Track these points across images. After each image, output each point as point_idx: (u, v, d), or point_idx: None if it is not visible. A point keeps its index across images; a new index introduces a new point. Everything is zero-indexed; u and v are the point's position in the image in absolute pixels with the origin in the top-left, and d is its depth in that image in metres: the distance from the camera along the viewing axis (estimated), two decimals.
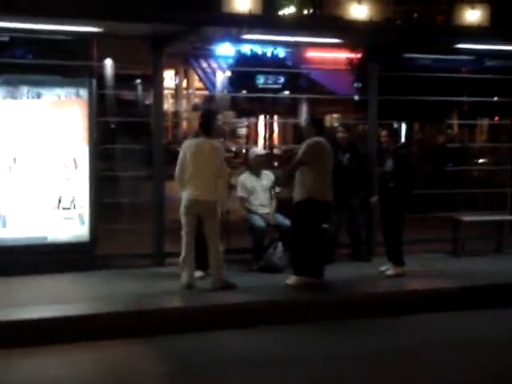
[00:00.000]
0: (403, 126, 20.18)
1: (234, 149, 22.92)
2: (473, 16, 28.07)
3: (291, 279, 8.51)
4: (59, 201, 8.95)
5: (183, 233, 8.24)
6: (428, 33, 10.52)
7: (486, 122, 23.34)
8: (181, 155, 8.27)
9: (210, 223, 8.18)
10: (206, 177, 8.11)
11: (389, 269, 9.16)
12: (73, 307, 7.44)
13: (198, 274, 8.65)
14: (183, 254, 8.23)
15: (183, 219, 8.23)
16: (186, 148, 8.28)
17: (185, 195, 8.20)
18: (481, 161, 17.75)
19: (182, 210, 8.24)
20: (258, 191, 9.56)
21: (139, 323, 7.19)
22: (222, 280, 8.24)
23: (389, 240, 9.25)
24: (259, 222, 9.29)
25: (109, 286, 8.36)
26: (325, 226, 9.51)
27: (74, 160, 9.04)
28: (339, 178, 9.62)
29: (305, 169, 8.49)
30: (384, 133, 9.47)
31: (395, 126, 9.56)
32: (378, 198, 9.46)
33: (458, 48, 11.05)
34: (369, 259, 9.93)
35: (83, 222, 9.07)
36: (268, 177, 9.66)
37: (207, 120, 8.46)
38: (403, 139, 18.96)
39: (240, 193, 9.53)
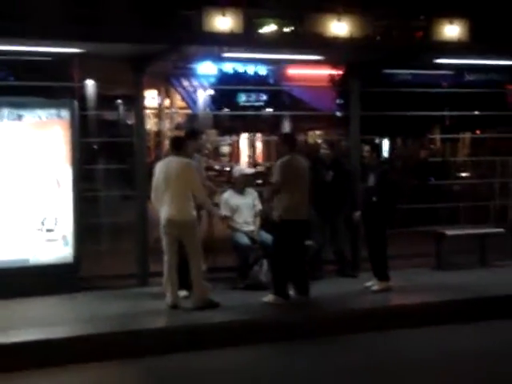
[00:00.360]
0: (385, 142, 20.26)
1: (217, 167, 22.90)
2: (452, 31, 28.27)
3: (267, 297, 8.47)
4: (42, 223, 8.89)
5: (165, 253, 8.21)
6: (408, 49, 10.60)
7: (467, 135, 23.46)
8: (154, 176, 8.26)
9: (189, 242, 8.15)
10: (179, 196, 8.08)
11: (374, 284, 9.15)
12: (57, 330, 7.37)
13: (182, 293, 8.60)
14: (166, 273, 8.19)
15: (163, 240, 8.20)
16: (158, 168, 8.27)
17: (162, 215, 8.18)
18: (463, 174, 17.81)
19: (161, 230, 8.22)
20: (242, 209, 9.55)
21: (124, 344, 7.13)
22: (205, 299, 8.19)
23: (373, 255, 9.26)
24: (244, 240, 9.27)
25: (93, 308, 8.31)
26: (309, 242, 9.54)
27: (57, 181, 8.99)
28: (323, 194, 9.65)
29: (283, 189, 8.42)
30: (366, 148, 9.50)
31: (377, 141, 9.59)
32: (361, 213, 9.46)
33: (438, 63, 11.12)
34: (354, 275, 9.91)
35: (67, 243, 9.01)
36: (252, 195, 9.65)
37: (176, 138, 8.52)
38: (386, 154, 19.04)
39: (223, 211, 9.51)
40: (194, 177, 8.21)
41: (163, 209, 8.15)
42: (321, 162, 10.03)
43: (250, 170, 10.50)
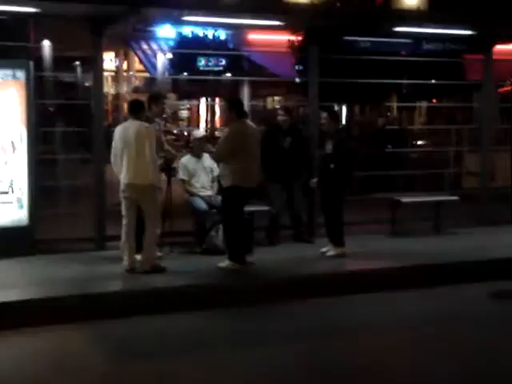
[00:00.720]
0: (344, 109, 20.35)
1: (175, 131, 22.79)
2: (411, 0, 28.38)
3: (224, 262, 8.51)
4: None
5: (123, 216, 8.19)
6: (367, 16, 10.63)
7: (424, 104, 23.69)
8: (113, 140, 8.22)
9: (146, 206, 8.15)
10: (138, 160, 8.04)
11: (329, 250, 9.27)
12: (11, 293, 7.34)
13: (139, 257, 8.62)
14: (123, 237, 8.20)
15: (122, 203, 8.19)
16: (117, 132, 8.23)
17: (121, 179, 8.16)
18: (419, 143, 18.03)
19: (120, 194, 8.20)
20: (200, 173, 9.56)
21: (79, 308, 7.13)
22: (152, 263, 8.20)
23: (329, 221, 9.36)
24: (201, 205, 9.29)
25: (48, 271, 8.28)
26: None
27: (12, 143, 8.88)
28: (280, 160, 9.70)
29: (228, 157, 8.35)
30: (324, 115, 9.54)
31: (335, 108, 9.65)
32: (318, 180, 9.54)
33: (397, 31, 11.18)
34: (310, 241, 10.02)
35: (22, 206, 8.94)
36: (209, 159, 9.65)
37: (134, 102, 8.46)
38: (344, 122, 19.14)
39: (181, 175, 9.51)
40: (153, 142, 8.16)
41: (122, 173, 8.12)
42: (278, 128, 10.06)
43: (202, 134, 10.38)
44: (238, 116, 8.45)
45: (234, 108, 8.52)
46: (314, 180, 9.62)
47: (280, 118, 10.06)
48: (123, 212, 8.20)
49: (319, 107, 10.58)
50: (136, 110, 8.28)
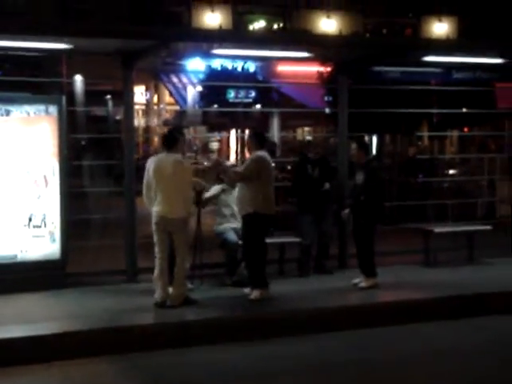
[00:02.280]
0: (374, 139, 20.31)
1: (206, 163, 22.88)
2: (440, 29, 28.38)
3: (253, 294, 8.48)
4: (29, 219, 8.86)
5: (156, 250, 8.21)
6: (397, 46, 10.61)
7: (455, 133, 23.56)
8: (145, 172, 8.23)
9: (177, 238, 8.13)
10: (171, 193, 8.06)
11: (361, 281, 9.18)
12: (44, 326, 7.35)
13: (171, 289, 8.61)
14: (156, 270, 8.18)
15: (155, 236, 8.20)
16: (150, 165, 8.24)
17: (153, 212, 8.17)
18: (451, 172, 17.89)
19: (152, 227, 8.21)
20: (231, 204, 9.54)
21: (111, 340, 7.13)
22: (183, 296, 8.17)
23: (361, 252, 9.28)
24: (232, 237, 9.26)
25: (80, 304, 8.29)
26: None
27: (45, 177, 8.96)
28: (312, 191, 9.71)
29: (249, 184, 8.46)
30: (354, 146, 9.51)
31: (366, 138, 9.63)
32: (350, 211, 9.48)
33: (426, 61, 11.15)
34: (331, 272, 9.93)
35: (54, 240, 8.99)
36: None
37: (169, 135, 8.46)
38: (374, 152, 19.09)
39: (213, 191, 9.48)
40: (188, 175, 8.22)
41: (155, 206, 8.14)
42: (308, 159, 10.06)
43: (230, 163, 10.40)
44: (259, 147, 8.66)
45: (256, 139, 8.79)
46: (346, 211, 9.57)
47: (310, 154, 10.08)
48: (156, 245, 8.20)
49: (349, 137, 10.56)
50: (170, 143, 8.29)
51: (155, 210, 8.13)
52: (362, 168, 9.31)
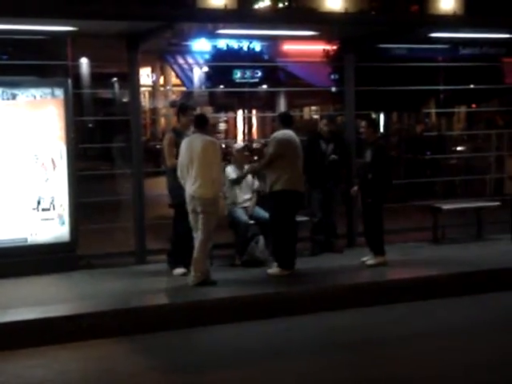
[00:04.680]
0: (381, 117, 20.25)
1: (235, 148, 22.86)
2: (447, 4, 28.20)
3: (272, 269, 8.60)
4: (38, 202, 8.90)
5: (193, 229, 8.26)
6: (403, 23, 10.54)
7: (463, 109, 23.47)
8: (179, 153, 8.31)
9: (203, 218, 8.16)
10: (201, 173, 8.11)
11: (370, 259, 9.19)
12: (56, 308, 7.40)
13: (181, 270, 8.65)
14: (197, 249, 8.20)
15: (190, 216, 8.26)
16: (183, 146, 8.31)
17: (186, 192, 8.23)
18: (459, 148, 17.84)
19: (187, 207, 8.26)
20: (242, 185, 9.55)
21: (122, 322, 7.17)
22: (203, 276, 8.21)
23: (369, 230, 9.29)
24: (244, 217, 9.27)
25: (91, 286, 8.33)
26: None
27: (52, 160, 8.98)
28: (323, 168, 9.70)
29: (275, 163, 8.60)
30: (363, 124, 9.50)
31: (373, 116, 9.60)
32: (358, 188, 9.48)
33: (433, 37, 11.09)
34: (341, 251, 9.94)
35: (63, 223, 9.02)
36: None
37: (200, 116, 8.60)
38: (382, 129, 19.04)
39: (226, 184, 9.51)
40: (218, 156, 8.29)
41: (187, 185, 8.21)
42: (319, 136, 10.03)
43: (241, 144, 10.39)
44: (283, 125, 8.85)
45: (280, 119, 9.06)
46: (355, 188, 9.57)
47: (323, 127, 10.02)
48: (192, 225, 8.25)
49: (356, 116, 10.53)
50: (201, 123, 8.38)
51: (187, 189, 8.20)
52: (370, 146, 9.30)
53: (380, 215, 9.21)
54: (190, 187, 8.14)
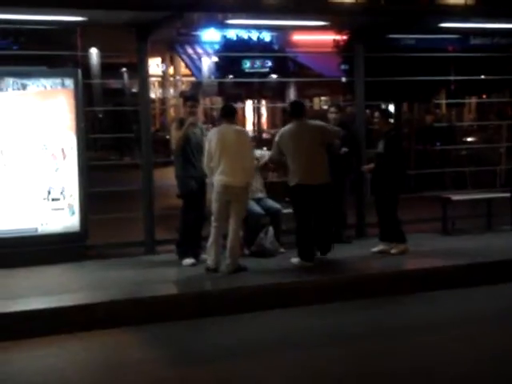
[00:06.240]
0: (391, 107, 20.17)
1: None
2: None
3: (295, 259, 8.67)
4: (49, 192, 8.93)
5: (213, 218, 8.31)
6: (413, 13, 10.49)
7: (473, 100, 23.36)
8: (207, 144, 8.34)
9: (237, 207, 8.25)
10: (234, 162, 8.18)
11: (382, 249, 9.19)
12: (66, 298, 7.43)
13: (190, 261, 8.67)
14: (211, 238, 8.29)
15: (214, 205, 8.30)
16: (212, 136, 8.34)
17: (216, 182, 8.25)
18: (469, 139, 17.76)
19: (214, 196, 8.30)
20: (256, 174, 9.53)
21: (132, 311, 7.19)
22: (237, 264, 8.30)
23: (386, 221, 9.26)
24: (256, 208, 9.25)
25: (101, 276, 8.36)
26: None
27: (62, 150, 9.00)
28: (333, 158, 9.67)
29: (287, 157, 8.61)
30: (376, 114, 9.48)
31: (383, 106, 9.58)
32: (371, 180, 9.45)
33: (443, 27, 11.03)
34: (350, 241, 9.92)
35: (73, 213, 9.05)
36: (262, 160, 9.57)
37: (228, 107, 8.66)
38: (392, 120, 18.94)
39: None
40: (250, 145, 8.45)
41: (217, 175, 8.24)
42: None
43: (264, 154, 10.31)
44: (291, 117, 8.79)
45: (291, 109, 8.95)
46: (371, 165, 9.49)
47: (331, 115, 9.97)
48: (215, 214, 8.29)
49: (366, 106, 10.49)
50: (229, 114, 8.45)
51: (218, 179, 8.23)
52: (383, 137, 9.29)
53: (395, 206, 9.20)
54: (222, 177, 8.18)
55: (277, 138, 8.75)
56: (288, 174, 8.69)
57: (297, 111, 8.83)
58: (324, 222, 8.80)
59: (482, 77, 15.75)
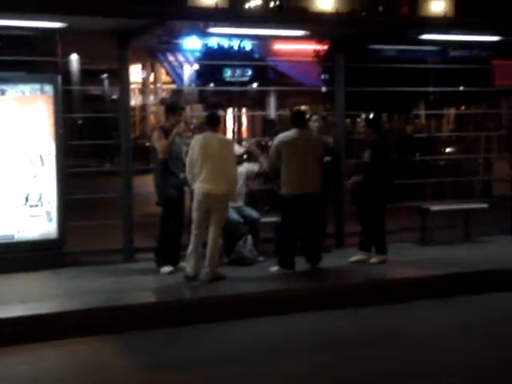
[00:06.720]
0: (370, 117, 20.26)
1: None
2: (437, 7, 28.27)
3: (274, 267, 8.67)
4: (26, 198, 8.86)
5: (193, 226, 8.29)
6: (393, 24, 10.57)
7: (452, 111, 23.53)
8: (189, 151, 8.34)
9: (217, 215, 8.25)
10: (216, 170, 8.19)
11: (360, 258, 9.22)
12: (42, 305, 7.37)
13: (168, 269, 8.64)
14: (191, 246, 8.26)
15: (195, 213, 8.29)
16: (195, 143, 8.33)
17: (197, 189, 8.25)
18: (448, 150, 17.88)
19: (194, 204, 8.29)
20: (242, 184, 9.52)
21: (109, 319, 7.15)
22: (216, 272, 8.28)
23: (369, 230, 9.27)
24: (235, 216, 9.23)
25: (78, 283, 8.30)
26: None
27: (41, 157, 8.94)
28: None
29: (281, 166, 8.65)
30: (363, 124, 9.51)
31: (372, 116, 9.59)
32: (357, 189, 9.48)
33: (423, 39, 11.11)
34: (328, 251, 9.93)
35: (51, 219, 8.99)
36: (241, 174, 9.53)
37: (212, 115, 8.67)
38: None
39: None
40: (233, 154, 8.47)
41: (198, 182, 8.23)
42: None
43: (242, 149, 10.28)
44: (291, 125, 8.86)
45: (291, 119, 9.01)
46: (357, 178, 9.50)
47: (313, 123, 9.97)
48: (195, 222, 8.28)
49: (347, 115, 10.52)
50: (214, 122, 8.49)
51: (199, 186, 8.23)
52: (369, 146, 9.32)
53: (382, 215, 9.23)
54: (203, 184, 8.18)
55: (276, 143, 8.77)
56: (275, 182, 8.73)
57: (298, 120, 8.90)
58: (314, 232, 8.83)
59: (461, 88, 15.89)
